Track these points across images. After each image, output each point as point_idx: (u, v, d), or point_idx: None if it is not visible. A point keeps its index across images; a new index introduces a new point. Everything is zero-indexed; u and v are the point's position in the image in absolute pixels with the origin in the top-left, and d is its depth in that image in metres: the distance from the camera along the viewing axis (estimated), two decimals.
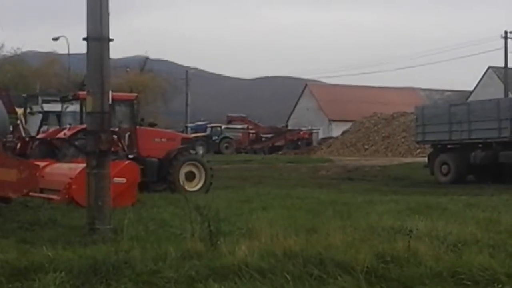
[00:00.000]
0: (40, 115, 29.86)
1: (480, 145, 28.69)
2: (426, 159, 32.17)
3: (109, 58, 11.15)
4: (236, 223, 11.32)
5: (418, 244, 8.33)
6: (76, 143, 18.38)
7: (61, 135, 20.51)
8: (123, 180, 14.90)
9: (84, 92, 13.11)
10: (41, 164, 15.68)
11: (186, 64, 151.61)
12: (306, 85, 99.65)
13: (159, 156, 20.70)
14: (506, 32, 62.45)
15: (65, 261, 7.93)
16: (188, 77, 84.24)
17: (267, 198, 17.10)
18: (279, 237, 8.64)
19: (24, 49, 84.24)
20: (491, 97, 39.04)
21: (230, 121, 71.53)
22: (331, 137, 67.46)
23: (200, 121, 77.40)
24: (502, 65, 63.94)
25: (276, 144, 68.80)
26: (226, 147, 64.28)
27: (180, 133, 29.36)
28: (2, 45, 76.83)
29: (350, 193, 21.12)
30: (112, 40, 11.04)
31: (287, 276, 7.29)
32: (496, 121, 27.65)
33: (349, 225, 10.80)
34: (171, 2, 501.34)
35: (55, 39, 64.31)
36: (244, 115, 73.63)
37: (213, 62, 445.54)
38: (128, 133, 20.66)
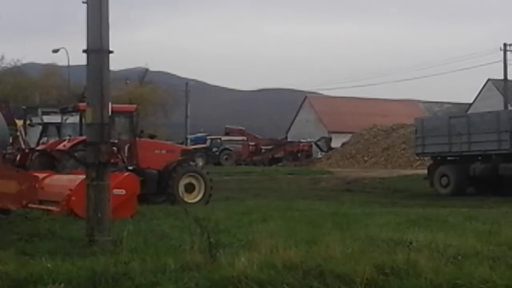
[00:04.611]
0: (40, 127, 29.88)
1: (479, 157, 28.69)
2: (425, 171, 32.15)
3: (109, 70, 11.18)
4: (235, 235, 11.31)
5: (418, 256, 8.31)
6: (76, 154, 18.37)
7: (60, 146, 20.53)
8: (123, 191, 14.89)
9: (84, 104, 13.14)
10: (41, 175, 15.70)
11: (186, 76, 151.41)
12: (306, 97, 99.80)
13: (158, 168, 20.70)
14: (505, 45, 62.53)
15: (64, 273, 7.92)
16: (188, 89, 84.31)
17: (267, 210, 17.08)
18: (279, 249, 8.63)
19: (24, 61, 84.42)
20: (490, 109, 39.10)
21: (227, 133, 71.49)
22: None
23: (200, 132, 77.43)
24: (502, 77, 64.03)
25: (276, 156, 68.71)
26: (226, 159, 64.25)
27: (179, 145, 29.41)
28: (2, 57, 77.10)
29: (350, 205, 21.13)
30: (112, 52, 11.07)
31: None
32: (495, 133, 27.67)
33: (349, 237, 10.79)
34: (171, 14, 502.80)
35: (55, 51, 64.38)
36: (242, 128, 73.64)
37: (213, 74, 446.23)
38: (128, 144, 20.67)
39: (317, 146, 69.32)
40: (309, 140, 72.36)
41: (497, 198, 25.43)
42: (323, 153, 68.46)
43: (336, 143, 68.36)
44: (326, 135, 76.53)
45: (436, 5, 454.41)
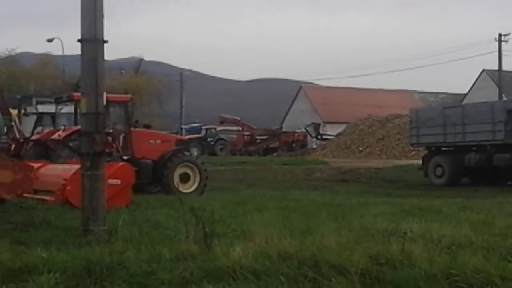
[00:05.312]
0: (35, 116, 29.79)
1: (474, 148, 28.72)
2: (420, 161, 32.20)
3: (104, 60, 11.13)
4: (230, 225, 11.32)
5: (412, 246, 8.33)
6: (71, 144, 18.34)
7: (55, 136, 20.49)
8: (118, 181, 14.89)
9: (79, 94, 13.12)
10: (36, 165, 15.65)
11: (180, 66, 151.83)
12: (301, 87, 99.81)
13: (153, 158, 20.69)
14: (500, 35, 62.70)
15: (59, 262, 7.91)
16: (182, 78, 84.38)
17: (262, 200, 17.10)
18: (274, 239, 8.63)
19: (19, 50, 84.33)
20: (485, 100, 39.11)
21: (222, 122, 71.48)
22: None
23: (195, 122, 77.38)
24: (496, 67, 64.18)
25: (271, 146, 68.72)
26: (221, 149, 64.23)
27: (174, 135, 29.37)
28: None
29: (345, 195, 21.16)
30: (106, 41, 11.03)
31: (282, 278, 7.28)
32: (490, 123, 27.69)
33: (344, 227, 10.81)
34: (166, 5, 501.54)
35: (50, 40, 64.25)
36: (238, 118, 73.64)
37: (208, 64, 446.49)
38: (123, 134, 20.64)
39: (307, 131, 69.63)
40: (303, 129, 72.38)
41: (491, 188, 25.49)
42: (313, 139, 68.88)
43: (331, 133, 68.49)
44: (321, 125, 76.61)
45: None
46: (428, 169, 30.19)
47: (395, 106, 75.33)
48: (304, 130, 70.30)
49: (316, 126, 70.87)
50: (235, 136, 70.65)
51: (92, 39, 10.88)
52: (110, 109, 19.70)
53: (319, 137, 69.41)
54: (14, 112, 31.40)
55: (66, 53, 63.67)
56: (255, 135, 70.59)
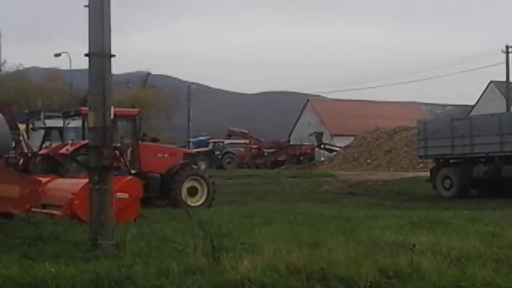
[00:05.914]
0: (43, 131, 29.92)
1: (482, 160, 28.65)
2: (428, 173, 32.13)
3: (111, 74, 11.17)
4: (238, 238, 11.31)
5: (421, 259, 8.31)
6: (78, 158, 18.38)
7: (63, 150, 20.53)
8: (126, 195, 14.89)
9: (86, 108, 13.14)
10: (44, 179, 15.69)
11: (188, 79, 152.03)
12: (308, 100, 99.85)
13: (161, 172, 20.71)
14: (507, 47, 62.62)
15: (68, 277, 7.92)
16: (190, 92, 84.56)
17: (270, 213, 17.07)
18: (282, 252, 8.62)
19: (26, 65, 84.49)
20: (493, 111, 39.04)
21: (230, 135, 71.54)
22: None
23: (202, 136, 77.45)
24: (504, 79, 64.09)
25: (279, 159, 68.68)
26: (229, 162, 64.23)
27: (182, 148, 29.40)
28: (4, 61, 76.94)
29: (353, 208, 21.11)
30: (114, 55, 11.08)
31: None
32: (498, 135, 27.62)
33: (352, 240, 10.79)
34: (173, 18, 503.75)
35: (57, 55, 64.50)
36: (245, 131, 73.68)
37: (215, 77, 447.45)
38: (130, 148, 20.68)
39: (310, 141, 69.91)
40: (311, 143, 72.33)
41: (499, 200, 25.40)
42: (316, 148, 68.99)
43: (339, 144, 68.50)
44: (329, 138, 76.65)
45: (438, 8, 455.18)
46: (436, 181, 30.10)
47: (403, 118, 75.18)
48: (308, 138, 70.64)
49: (318, 134, 70.91)
50: (242, 149, 70.66)
51: (100, 53, 10.92)
52: (118, 123, 19.76)
53: (322, 146, 69.46)
54: (22, 126, 31.49)
55: (74, 67, 63.87)
56: (262, 148, 70.61)
